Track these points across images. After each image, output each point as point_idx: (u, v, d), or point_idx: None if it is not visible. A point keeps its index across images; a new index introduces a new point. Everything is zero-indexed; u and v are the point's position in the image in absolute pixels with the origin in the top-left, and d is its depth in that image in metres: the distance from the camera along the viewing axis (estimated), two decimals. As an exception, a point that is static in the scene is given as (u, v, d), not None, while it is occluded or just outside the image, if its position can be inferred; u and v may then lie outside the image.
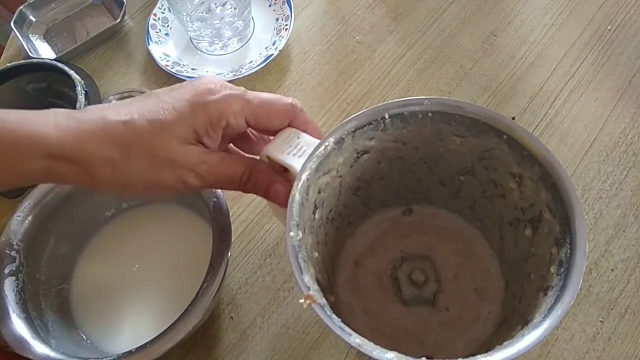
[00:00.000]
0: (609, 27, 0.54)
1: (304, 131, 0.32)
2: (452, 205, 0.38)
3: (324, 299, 0.27)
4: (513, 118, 0.49)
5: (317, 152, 0.30)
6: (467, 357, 0.24)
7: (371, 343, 0.24)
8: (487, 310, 0.35)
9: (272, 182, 0.32)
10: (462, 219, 0.38)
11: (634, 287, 0.41)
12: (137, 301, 0.42)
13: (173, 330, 0.34)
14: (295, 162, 0.30)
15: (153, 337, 0.34)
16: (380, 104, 0.32)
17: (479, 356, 0.24)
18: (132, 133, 0.28)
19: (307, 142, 0.31)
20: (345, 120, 0.32)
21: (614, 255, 0.42)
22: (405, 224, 0.39)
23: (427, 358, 0.24)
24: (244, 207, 0.47)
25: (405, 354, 0.24)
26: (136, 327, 0.41)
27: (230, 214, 0.39)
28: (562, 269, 0.27)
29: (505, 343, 0.25)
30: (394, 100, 0.32)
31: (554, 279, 0.27)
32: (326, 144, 0.31)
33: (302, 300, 0.26)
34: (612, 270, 0.41)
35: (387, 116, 0.32)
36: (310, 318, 0.41)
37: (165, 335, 0.34)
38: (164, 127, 0.29)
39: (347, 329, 0.25)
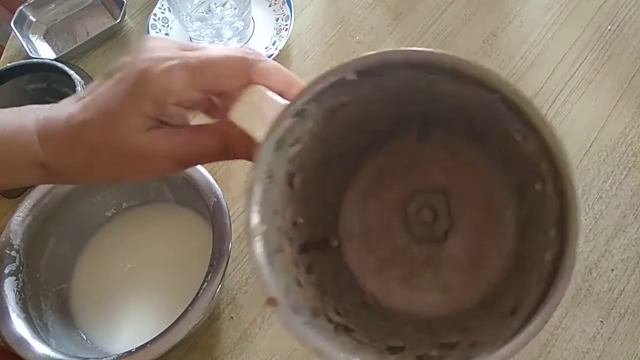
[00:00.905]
0: (609, 27, 0.54)
1: (268, 86, 0.27)
2: (471, 134, 0.31)
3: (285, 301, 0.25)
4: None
5: (273, 133, 0.26)
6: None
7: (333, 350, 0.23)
8: (484, 281, 0.30)
9: (252, 146, 0.28)
10: (485, 154, 0.30)
11: (634, 287, 0.41)
12: (137, 301, 0.42)
13: (173, 330, 0.34)
14: (260, 133, 0.26)
15: (153, 337, 0.34)
16: (334, 66, 0.25)
17: None
18: (93, 133, 0.27)
19: (271, 104, 0.27)
20: (300, 92, 0.26)
21: (614, 255, 0.42)
22: (420, 150, 0.33)
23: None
24: (244, 207, 0.47)
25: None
26: (136, 327, 0.41)
27: (230, 214, 0.39)
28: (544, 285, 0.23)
29: None
30: (352, 59, 0.25)
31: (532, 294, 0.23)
32: (284, 122, 0.26)
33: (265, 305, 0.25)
34: (612, 270, 0.41)
35: (347, 78, 0.26)
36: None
37: (165, 335, 0.34)
38: (117, 122, 0.26)
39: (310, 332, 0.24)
